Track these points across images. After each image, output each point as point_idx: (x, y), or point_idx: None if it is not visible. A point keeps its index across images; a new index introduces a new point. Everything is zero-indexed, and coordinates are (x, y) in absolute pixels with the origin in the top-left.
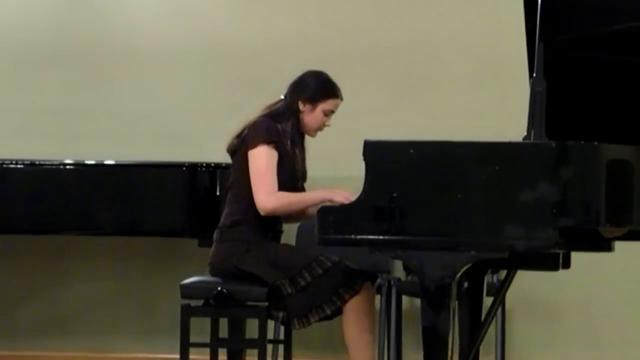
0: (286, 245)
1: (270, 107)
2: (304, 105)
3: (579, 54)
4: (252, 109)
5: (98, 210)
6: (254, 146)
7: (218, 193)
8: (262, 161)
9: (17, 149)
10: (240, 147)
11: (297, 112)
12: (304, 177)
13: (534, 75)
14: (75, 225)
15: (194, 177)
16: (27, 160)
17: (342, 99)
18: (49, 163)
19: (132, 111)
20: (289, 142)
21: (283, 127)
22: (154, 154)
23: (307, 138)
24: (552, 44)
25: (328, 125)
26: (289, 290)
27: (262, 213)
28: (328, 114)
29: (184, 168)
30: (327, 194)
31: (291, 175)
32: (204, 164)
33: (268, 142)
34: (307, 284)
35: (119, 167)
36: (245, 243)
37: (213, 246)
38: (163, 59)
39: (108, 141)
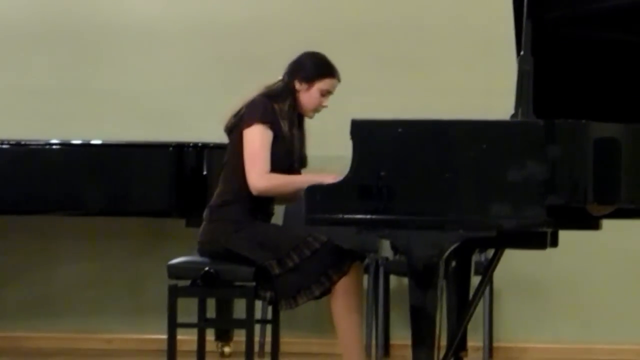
0: (275, 226)
1: (269, 87)
2: (300, 84)
3: (567, 31)
4: (238, 88)
5: (85, 191)
6: (249, 125)
7: (205, 173)
8: (257, 140)
9: (2, 129)
10: (236, 125)
11: (293, 92)
12: (303, 160)
13: (522, 53)
14: (62, 206)
15: (181, 157)
16: (12, 140)
17: (339, 80)
18: (35, 143)
19: (119, 91)
20: (286, 123)
21: (280, 107)
22: (141, 134)
23: (307, 121)
24: (539, 21)
25: (325, 106)
26: (277, 271)
27: (253, 193)
28: (325, 94)
29: (171, 148)
30: (319, 177)
31: (286, 156)
32: (191, 144)
33: (263, 121)
34: (295, 266)
35: (105, 147)
36: (234, 223)
37: (202, 225)
38: (150, 39)
39: (94, 121)
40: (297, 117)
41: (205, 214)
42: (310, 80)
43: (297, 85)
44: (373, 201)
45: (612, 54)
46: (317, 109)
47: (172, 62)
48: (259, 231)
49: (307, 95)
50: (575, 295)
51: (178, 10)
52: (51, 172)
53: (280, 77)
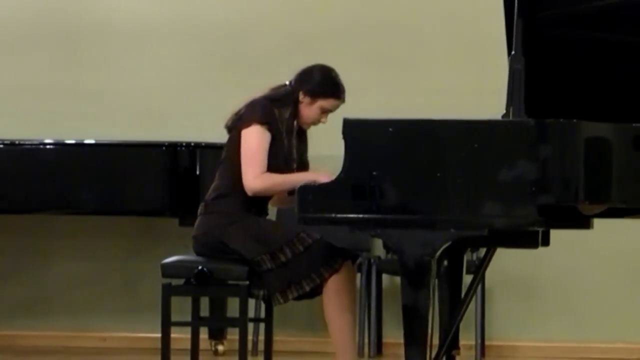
0: (269, 220)
1: (274, 90)
2: (304, 97)
3: (558, 30)
4: (231, 88)
5: (78, 190)
6: (248, 125)
7: (198, 172)
8: (254, 141)
9: None
10: (236, 124)
11: (296, 102)
12: (305, 167)
13: (513, 52)
14: (56, 205)
15: (174, 157)
16: (6, 140)
17: (343, 101)
18: (29, 143)
19: (112, 90)
20: (284, 129)
21: (281, 113)
22: (134, 134)
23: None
24: (530, 20)
25: (323, 122)
26: (269, 265)
27: (249, 193)
28: (325, 111)
29: (164, 147)
30: (313, 176)
31: (282, 160)
32: (184, 144)
33: (262, 122)
34: (288, 260)
35: (99, 147)
36: (228, 215)
37: (197, 219)
38: (142, 38)
39: (88, 121)
40: (298, 127)
41: (200, 208)
42: (314, 95)
43: (301, 97)
44: (365, 200)
45: (604, 53)
46: (314, 123)
47: (165, 62)
48: (253, 225)
49: (308, 109)
50: (567, 293)
51: (170, 10)
52: (45, 172)
53: (287, 82)
